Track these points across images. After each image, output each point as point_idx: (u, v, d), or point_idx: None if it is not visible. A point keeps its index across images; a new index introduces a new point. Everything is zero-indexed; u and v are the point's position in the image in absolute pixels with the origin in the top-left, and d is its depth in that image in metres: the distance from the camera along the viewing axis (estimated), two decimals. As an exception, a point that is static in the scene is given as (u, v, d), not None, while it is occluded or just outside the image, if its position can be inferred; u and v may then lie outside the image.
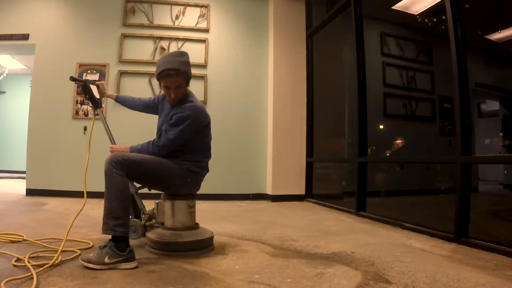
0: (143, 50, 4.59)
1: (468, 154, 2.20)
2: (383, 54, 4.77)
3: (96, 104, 2.27)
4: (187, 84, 1.96)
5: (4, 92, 8.44)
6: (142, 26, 4.60)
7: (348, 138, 4.50)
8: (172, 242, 1.84)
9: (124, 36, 4.54)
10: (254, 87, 4.74)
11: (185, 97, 1.96)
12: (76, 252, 1.74)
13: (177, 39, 4.63)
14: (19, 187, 4.96)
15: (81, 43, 4.50)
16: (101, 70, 4.49)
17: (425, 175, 4.49)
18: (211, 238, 1.98)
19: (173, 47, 4.61)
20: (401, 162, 4.69)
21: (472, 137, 2.27)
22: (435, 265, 1.71)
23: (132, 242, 1.80)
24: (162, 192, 2.02)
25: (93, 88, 2.26)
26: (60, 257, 1.60)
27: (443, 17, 2.38)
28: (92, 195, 4.24)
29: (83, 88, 2.23)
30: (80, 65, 4.47)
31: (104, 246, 1.59)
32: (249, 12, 4.86)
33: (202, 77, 4.62)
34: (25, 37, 4.39)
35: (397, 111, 4.85)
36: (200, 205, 3.87)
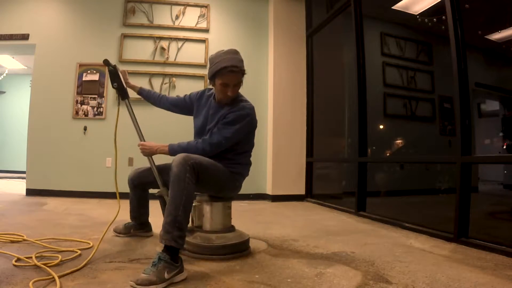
0: (143, 50, 4.59)
1: (468, 154, 2.20)
2: (383, 54, 4.76)
3: (125, 94, 2.10)
4: (242, 82, 1.88)
5: (4, 92, 8.44)
6: (142, 26, 4.60)
7: (348, 138, 4.49)
8: (221, 245, 1.77)
9: (124, 36, 4.54)
10: (254, 87, 4.74)
11: (236, 97, 1.90)
12: (77, 252, 1.74)
13: (177, 39, 4.63)
14: (19, 187, 4.96)
15: (81, 43, 4.50)
16: (101, 70, 4.49)
17: (425, 175, 4.49)
18: (248, 240, 1.92)
19: (173, 47, 4.61)
20: (401, 162, 4.68)
21: (472, 137, 2.28)
22: (435, 265, 1.71)
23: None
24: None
25: (121, 76, 2.08)
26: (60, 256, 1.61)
27: (443, 17, 2.38)
28: (92, 195, 4.29)
29: (112, 74, 2.03)
30: (80, 65, 4.47)
31: (159, 261, 1.41)
32: (249, 12, 4.86)
33: (202, 77, 4.62)
34: (25, 37, 4.39)
35: (397, 111, 4.84)
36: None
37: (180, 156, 1.61)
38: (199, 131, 1.96)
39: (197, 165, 1.61)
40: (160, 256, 1.43)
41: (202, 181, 1.67)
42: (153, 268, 1.39)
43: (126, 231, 2.23)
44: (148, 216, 2.30)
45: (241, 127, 1.81)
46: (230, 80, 1.79)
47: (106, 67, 2.09)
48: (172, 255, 1.45)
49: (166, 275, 1.38)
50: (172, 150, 1.84)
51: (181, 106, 2.20)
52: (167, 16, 4.67)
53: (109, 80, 4.46)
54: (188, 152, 1.69)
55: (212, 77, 1.82)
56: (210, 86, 1.96)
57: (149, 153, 2.00)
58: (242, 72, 1.81)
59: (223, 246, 1.78)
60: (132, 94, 4.80)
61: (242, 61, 1.83)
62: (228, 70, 1.75)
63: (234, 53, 1.83)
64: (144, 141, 2.05)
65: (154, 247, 1.96)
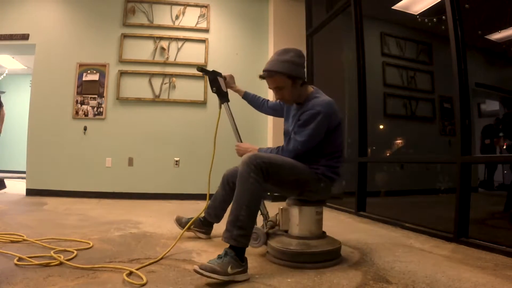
0: (143, 50, 4.59)
1: (468, 154, 2.20)
2: (383, 54, 4.76)
3: (224, 97, 2.13)
4: (295, 82, 1.72)
5: (4, 92, 8.44)
6: (142, 26, 4.60)
7: (348, 138, 4.49)
8: (299, 252, 1.67)
9: (124, 36, 4.54)
10: (254, 87, 4.73)
11: (310, 95, 1.79)
12: (73, 252, 1.73)
13: (177, 39, 4.63)
14: (19, 187, 4.96)
15: (81, 43, 4.50)
16: (101, 70, 4.49)
17: (425, 175, 4.49)
18: (339, 248, 1.79)
19: (173, 47, 4.62)
20: (401, 162, 4.68)
21: (472, 137, 2.28)
22: (435, 265, 1.71)
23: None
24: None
25: (220, 81, 2.15)
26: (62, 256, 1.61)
27: (443, 17, 2.38)
28: (92, 195, 4.29)
29: (210, 80, 2.13)
30: (80, 65, 4.47)
31: (225, 255, 1.44)
32: (249, 12, 4.86)
33: (202, 77, 4.62)
34: (25, 37, 4.39)
35: (397, 111, 4.84)
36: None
37: (246, 155, 1.59)
38: (285, 135, 1.93)
39: (265, 164, 1.56)
40: (226, 251, 1.46)
41: (275, 181, 1.63)
42: (218, 260, 1.41)
43: (185, 225, 2.19)
44: (221, 219, 2.19)
45: (315, 128, 1.67)
46: (269, 84, 1.77)
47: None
48: (237, 253, 1.46)
49: (229, 270, 1.39)
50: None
51: (278, 110, 2.15)
52: (167, 16, 4.67)
53: (109, 80, 4.48)
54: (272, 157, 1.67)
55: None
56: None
57: (243, 153, 1.92)
58: (278, 75, 1.70)
59: (303, 253, 1.67)
60: (132, 94, 4.82)
61: (284, 62, 1.70)
62: (263, 75, 1.75)
63: (279, 54, 1.74)
64: (241, 142, 2.05)
65: (154, 247, 1.96)
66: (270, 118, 4.59)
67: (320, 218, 1.81)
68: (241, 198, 1.53)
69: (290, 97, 1.77)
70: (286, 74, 1.70)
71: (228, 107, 2.15)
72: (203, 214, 2.21)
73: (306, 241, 1.72)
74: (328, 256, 1.71)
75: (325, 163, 1.76)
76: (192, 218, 2.20)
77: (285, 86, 1.72)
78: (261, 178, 1.56)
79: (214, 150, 2.18)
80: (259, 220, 1.79)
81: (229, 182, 2.09)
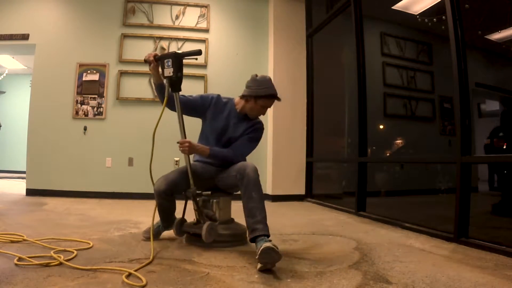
0: (143, 50, 4.58)
1: (468, 154, 2.20)
2: (383, 54, 4.76)
3: (178, 85, 2.04)
4: None
5: (4, 92, 8.44)
6: (142, 26, 4.60)
7: (348, 138, 4.49)
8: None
9: (124, 36, 4.54)
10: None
11: None
12: (73, 252, 1.73)
13: (177, 39, 4.63)
14: (19, 187, 4.96)
15: (81, 43, 4.50)
16: (101, 70, 4.49)
17: (425, 175, 4.49)
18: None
19: (173, 47, 4.61)
20: (401, 162, 4.68)
21: (472, 137, 2.28)
22: (435, 265, 1.71)
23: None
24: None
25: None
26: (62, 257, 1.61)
27: (443, 17, 2.38)
28: (92, 195, 4.28)
29: (177, 64, 1.94)
30: (80, 65, 4.47)
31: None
32: (249, 12, 4.86)
33: (202, 77, 4.62)
34: (25, 37, 4.39)
35: (397, 111, 4.84)
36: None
37: (253, 165, 1.90)
38: (218, 134, 2.15)
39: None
40: (265, 234, 1.72)
41: None
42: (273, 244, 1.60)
43: (158, 236, 2.19)
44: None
45: (257, 143, 2.17)
46: (270, 104, 2.08)
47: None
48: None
49: None
50: (213, 155, 2.05)
51: (191, 107, 2.17)
52: (167, 16, 4.67)
53: (109, 80, 4.48)
54: (227, 159, 2.05)
55: (256, 97, 2.02)
56: (225, 96, 2.25)
57: (189, 151, 2.04)
58: None
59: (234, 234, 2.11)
60: (132, 94, 4.81)
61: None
62: (271, 97, 2.03)
63: (271, 80, 2.09)
64: (186, 138, 2.04)
65: (154, 247, 1.95)
66: (270, 119, 4.58)
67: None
68: (262, 200, 1.84)
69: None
70: None
71: (178, 96, 2.01)
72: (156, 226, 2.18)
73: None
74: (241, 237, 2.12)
75: None
76: (157, 227, 2.19)
77: None
78: None
79: (153, 146, 2.11)
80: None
81: (173, 193, 2.10)
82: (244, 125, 2.12)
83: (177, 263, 1.66)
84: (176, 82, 1.97)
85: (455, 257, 1.86)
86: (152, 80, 2.23)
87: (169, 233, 2.34)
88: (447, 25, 2.33)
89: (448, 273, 1.58)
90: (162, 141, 4.54)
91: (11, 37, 4.38)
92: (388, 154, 4.88)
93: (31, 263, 1.54)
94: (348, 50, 4.23)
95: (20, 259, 1.58)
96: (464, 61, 2.24)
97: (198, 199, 1.98)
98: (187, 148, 2.00)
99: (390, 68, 4.79)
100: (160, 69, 2.00)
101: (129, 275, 1.45)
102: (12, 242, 1.93)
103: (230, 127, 2.13)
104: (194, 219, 2.06)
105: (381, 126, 4.89)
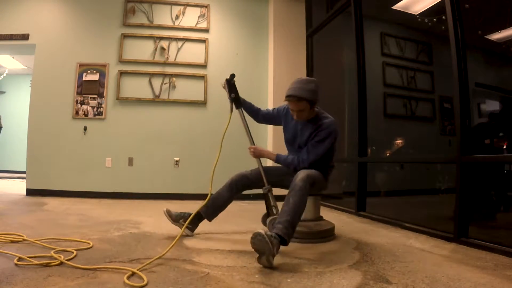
0: (143, 50, 4.59)
1: (468, 154, 2.20)
2: (383, 54, 4.75)
3: (240, 104, 2.35)
4: (312, 107, 2.14)
5: (4, 92, 8.44)
6: (142, 26, 4.61)
7: (348, 138, 4.49)
8: (318, 231, 2.26)
9: (124, 36, 4.55)
10: (254, 87, 4.74)
11: (318, 114, 2.22)
12: (73, 252, 1.73)
13: (177, 39, 4.63)
14: (19, 187, 4.96)
15: (81, 43, 4.50)
16: (101, 70, 4.49)
17: (425, 175, 4.48)
18: (334, 227, 2.42)
19: (173, 47, 4.62)
20: (401, 162, 4.68)
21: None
22: (435, 265, 1.71)
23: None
24: None
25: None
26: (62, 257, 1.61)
27: (443, 17, 2.38)
28: (92, 195, 4.29)
29: (230, 86, 2.31)
30: (80, 65, 4.47)
31: (275, 237, 1.72)
32: (249, 12, 4.86)
33: (202, 77, 4.62)
34: (25, 37, 4.39)
35: (397, 111, 4.84)
36: (199, 205, 3.87)
37: (304, 173, 1.96)
38: (291, 142, 2.31)
39: (312, 180, 1.98)
40: (276, 236, 1.72)
41: (311, 190, 2.03)
42: (271, 235, 1.67)
43: (176, 219, 2.29)
44: (213, 219, 2.36)
45: (328, 143, 2.15)
46: (293, 106, 2.11)
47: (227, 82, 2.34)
48: (281, 241, 1.73)
49: (275, 251, 1.65)
50: (278, 159, 2.22)
51: (271, 120, 2.47)
52: (167, 16, 4.67)
53: (109, 80, 4.48)
54: (291, 165, 2.17)
55: (286, 100, 2.13)
56: None
57: (258, 155, 2.27)
58: (304, 101, 2.06)
59: (319, 231, 2.25)
60: (132, 94, 4.82)
61: (309, 91, 2.07)
62: (287, 98, 2.08)
63: (304, 83, 2.11)
64: (254, 145, 2.33)
65: (154, 247, 1.96)
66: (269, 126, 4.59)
67: (319, 204, 2.50)
68: (299, 208, 1.87)
69: (306, 117, 2.17)
70: (309, 101, 2.08)
71: (243, 112, 2.36)
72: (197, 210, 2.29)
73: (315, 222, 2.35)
74: (328, 233, 2.31)
75: (326, 165, 2.26)
76: (187, 213, 2.30)
77: (305, 109, 2.11)
78: (308, 192, 1.95)
79: (219, 152, 2.27)
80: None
81: (237, 186, 2.32)
82: (309, 130, 2.19)
83: (177, 263, 1.66)
84: (232, 101, 2.32)
85: (455, 257, 1.87)
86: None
87: (169, 233, 2.34)
88: (447, 25, 2.33)
89: (448, 273, 1.58)
90: (162, 141, 4.56)
91: (11, 37, 4.38)
92: (388, 154, 4.88)
93: (31, 263, 1.54)
94: (348, 50, 4.23)
95: (20, 259, 1.58)
96: (464, 61, 2.24)
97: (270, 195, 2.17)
98: (253, 153, 2.26)
99: (390, 68, 4.78)
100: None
101: (132, 274, 1.45)
102: (12, 242, 1.93)
103: (298, 134, 2.24)
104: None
105: (381, 126, 4.89)
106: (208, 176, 2.18)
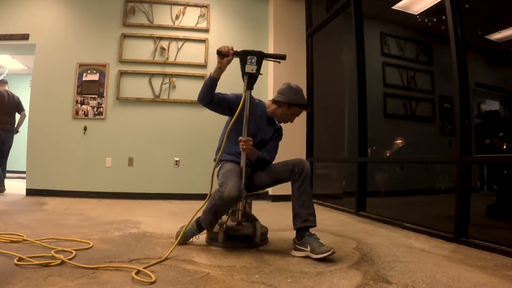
0: (143, 50, 4.59)
1: (468, 154, 2.20)
2: (383, 54, 4.75)
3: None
4: None
5: (4, 92, 8.42)
6: (142, 26, 4.61)
7: (348, 138, 4.49)
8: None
9: (124, 36, 4.55)
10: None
11: None
12: (72, 253, 1.73)
13: (177, 39, 4.63)
14: (19, 187, 4.96)
15: (81, 43, 4.50)
16: (101, 70, 4.49)
17: (425, 175, 4.48)
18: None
19: (173, 47, 4.62)
20: (401, 162, 4.67)
21: (472, 137, 2.27)
22: (435, 265, 1.71)
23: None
24: None
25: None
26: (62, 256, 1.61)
27: (443, 17, 2.38)
28: (92, 195, 4.29)
29: (260, 61, 2.04)
30: (80, 65, 4.47)
31: (312, 235, 1.88)
32: (249, 12, 4.86)
33: (202, 77, 4.62)
34: (25, 37, 4.40)
35: (397, 111, 4.83)
36: (200, 205, 3.87)
37: (308, 162, 2.05)
38: (252, 135, 2.09)
39: None
40: (311, 233, 1.88)
41: None
42: (320, 242, 1.83)
43: (187, 239, 2.06)
44: None
45: None
46: (300, 114, 2.20)
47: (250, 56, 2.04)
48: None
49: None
50: (260, 156, 2.10)
51: (223, 105, 2.17)
52: (167, 16, 4.67)
53: (109, 80, 4.48)
54: (266, 161, 2.13)
55: (290, 104, 2.13)
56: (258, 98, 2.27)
57: (250, 150, 2.00)
58: None
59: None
60: (132, 94, 4.81)
61: None
62: (306, 107, 2.18)
63: (301, 90, 2.21)
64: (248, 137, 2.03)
65: (154, 247, 1.96)
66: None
67: None
68: (311, 195, 1.98)
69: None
70: None
71: (250, 94, 2.07)
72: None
73: None
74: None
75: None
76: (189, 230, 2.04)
77: None
78: None
79: (225, 140, 2.00)
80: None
81: (239, 199, 1.99)
82: (272, 129, 2.22)
83: (177, 263, 1.66)
84: (254, 80, 2.07)
85: (455, 257, 1.86)
86: (213, 74, 2.13)
87: (169, 233, 2.34)
88: (447, 25, 2.33)
89: (448, 273, 1.58)
90: (162, 141, 4.56)
91: (11, 37, 4.38)
92: (388, 154, 4.88)
93: (31, 263, 1.54)
94: (348, 50, 4.23)
95: (20, 259, 1.58)
96: (464, 61, 2.24)
97: (247, 200, 2.10)
98: (250, 146, 1.98)
99: (390, 68, 4.78)
100: (239, 64, 2.07)
101: (138, 272, 1.46)
102: (12, 242, 1.93)
103: (263, 129, 2.19)
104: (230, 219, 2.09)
105: (381, 126, 4.89)
106: (208, 176, 2.12)
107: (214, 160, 2.13)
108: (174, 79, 4.57)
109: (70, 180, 4.34)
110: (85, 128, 4.42)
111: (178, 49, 4.63)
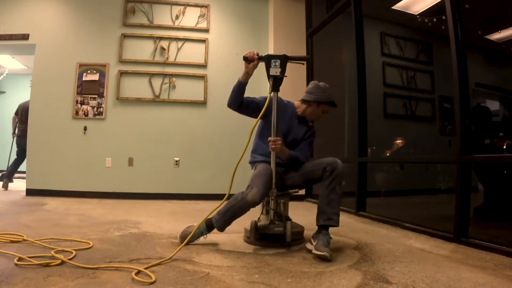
0: (143, 50, 4.59)
1: (468, 154, 2.20)
2: (383, 54, 4.76)
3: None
4: None
5: (4, 92, 8.43)
6: (142, 26, 4.61)
7: (348, 138, 4.49)
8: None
9: (124, 36, 4.55)
10: (254, 87, 4.72)
11: None
12: (72, 253, 1.73)
13: (177, 39, 4.63)
14: (19, 187, 4.96)
15: (81, 43, 4.50)
16: (101, 70, 4.49)
17: (425, 175, 4.48)
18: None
19: (173, 47, 4.62)
20: (401, 162, 4.68)
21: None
22: (435, 265, 1.71)
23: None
24: None
25: None
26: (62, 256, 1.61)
27: (443, 17, 2.38)
28: (92, 195, 4.29)
29: (284, 65, 2.09)
30: (80, 65, 4.47)
31: (326, 235, 1.88)
32: (249, 12, 4.86)
33: (202, 77, 4.62)
34: (25, 37, 4.39)
35: (397, 111, 4.84)
36: (200, 205, 3.88)
37: (340, 163, 2.03)
38: (284, 135, 2.19)
39: None
40: (325, 233, 1.88)
41: None
42: (327, 245, 1.81)
43: (194, 239, 2.02)
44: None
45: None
46: (329, 111, 2.24)
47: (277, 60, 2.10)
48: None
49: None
50: (291, 155, 2.11)
51: (252, 108, 2.20)
52: (167, 16, 4.67)
53: (109, 80, 4.48)
54: (299, 160, 2.13)
55: (319, 102, 2.18)
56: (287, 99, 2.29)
57: (279, 149, 2.04)
58: None
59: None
60: (132, 94, 4.81)
61: None
62: (335, 105, 2.22)
63: (328, 88, 2.27)
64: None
65: (154, 247, 1.96)
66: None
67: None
68: (341, 196, 1.98)
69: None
70: None
71: (277, 96, 2.11)
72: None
73: None
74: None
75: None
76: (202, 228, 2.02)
77: None
78: None
79: (248, 142, 2.03)
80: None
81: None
82: (304, 128, 2.24)
83: (177, 263, 1.66)
84: (279, 82, 2.10)
85: (455, 257, 1.86)
86: (240, 79, 2.17)
87: (169, 232, 2.34)
88: (447, 25, 2.33)
89: (448, 273, 1.58)
90: (162, 141, 4.56)
91: (11, 37, 4.38)
92: (388, 154, 4.88)
93: (31, 263, 1.54)
94: (348, 50, 4.23)
95: (20, 259, 1.58)
96: (464, 61, 2.23)
97: (279, 199, 2.10)
98: (279, 146, 2.01)
99: (390, 68, 4.78)
100: (264, 68, 2.14)
101: (138, 272, 1.46)
102: (12, 242, 1.93)
103: (294, 129, 2.21)
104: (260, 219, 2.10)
105: (381, 126, 4.89)
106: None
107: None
108: (174, 79, 4.57)
109: (70, 180, 4.34)
110: (85, 128, 4.42)
111: (178, 49, 4.63)
